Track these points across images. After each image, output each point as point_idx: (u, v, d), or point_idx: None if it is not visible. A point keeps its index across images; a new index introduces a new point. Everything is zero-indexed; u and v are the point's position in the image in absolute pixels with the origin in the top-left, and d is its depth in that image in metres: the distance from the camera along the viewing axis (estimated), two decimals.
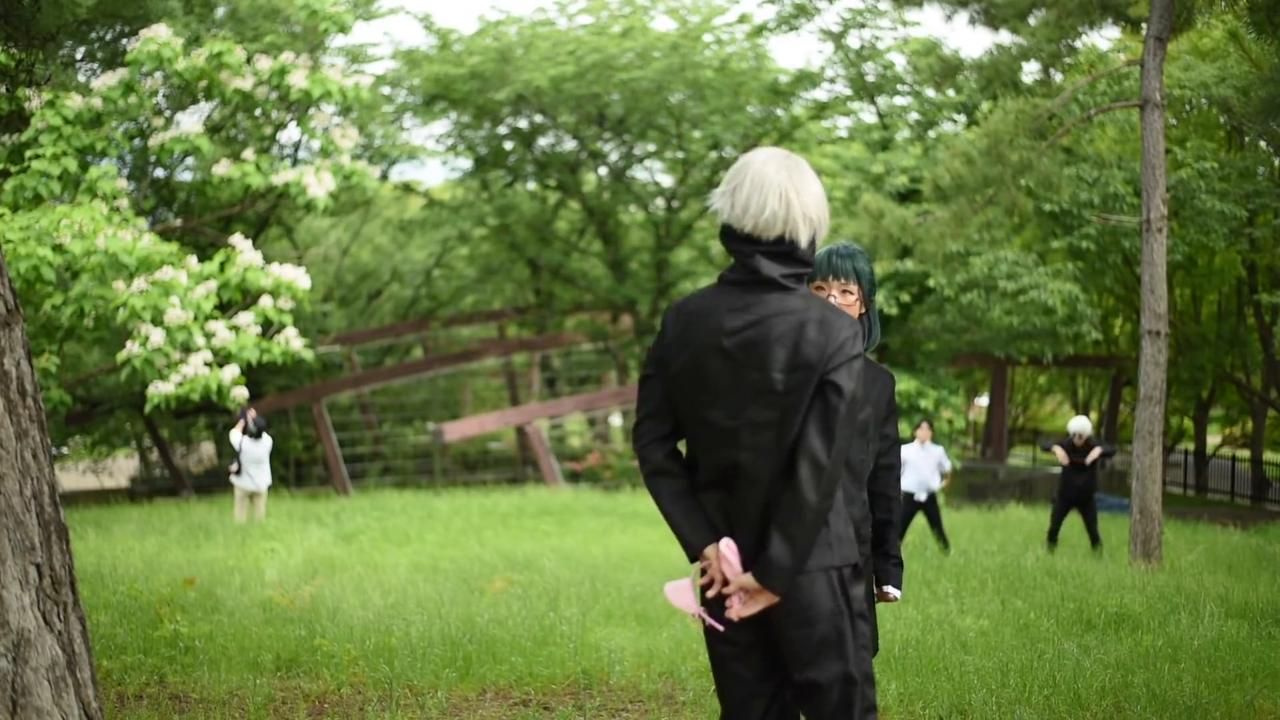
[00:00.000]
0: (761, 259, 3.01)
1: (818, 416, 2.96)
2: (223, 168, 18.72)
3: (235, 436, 15.68)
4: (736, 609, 2.99)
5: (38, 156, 16.67)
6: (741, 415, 2.98)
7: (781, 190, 3.02)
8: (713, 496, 3.06)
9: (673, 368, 3.06)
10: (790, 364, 2.96)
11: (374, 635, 6.56)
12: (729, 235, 3.07)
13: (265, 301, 16.96)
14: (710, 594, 3.05)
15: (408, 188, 31.42)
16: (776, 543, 2.93)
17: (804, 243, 3.05)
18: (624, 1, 26.39)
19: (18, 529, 3.11)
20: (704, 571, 3.08)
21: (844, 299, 3.79)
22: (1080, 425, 12.87)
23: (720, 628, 3.05)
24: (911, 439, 13.28)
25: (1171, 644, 6.43)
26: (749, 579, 2.97)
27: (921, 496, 12.68)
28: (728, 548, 3.00)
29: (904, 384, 21.47)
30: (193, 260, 16.94)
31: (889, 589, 3.94)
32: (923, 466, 12.68)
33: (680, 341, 3.05)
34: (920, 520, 14.43)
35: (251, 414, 15.63)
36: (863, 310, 3.84)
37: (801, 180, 3.05)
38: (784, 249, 3.03)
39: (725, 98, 25.90)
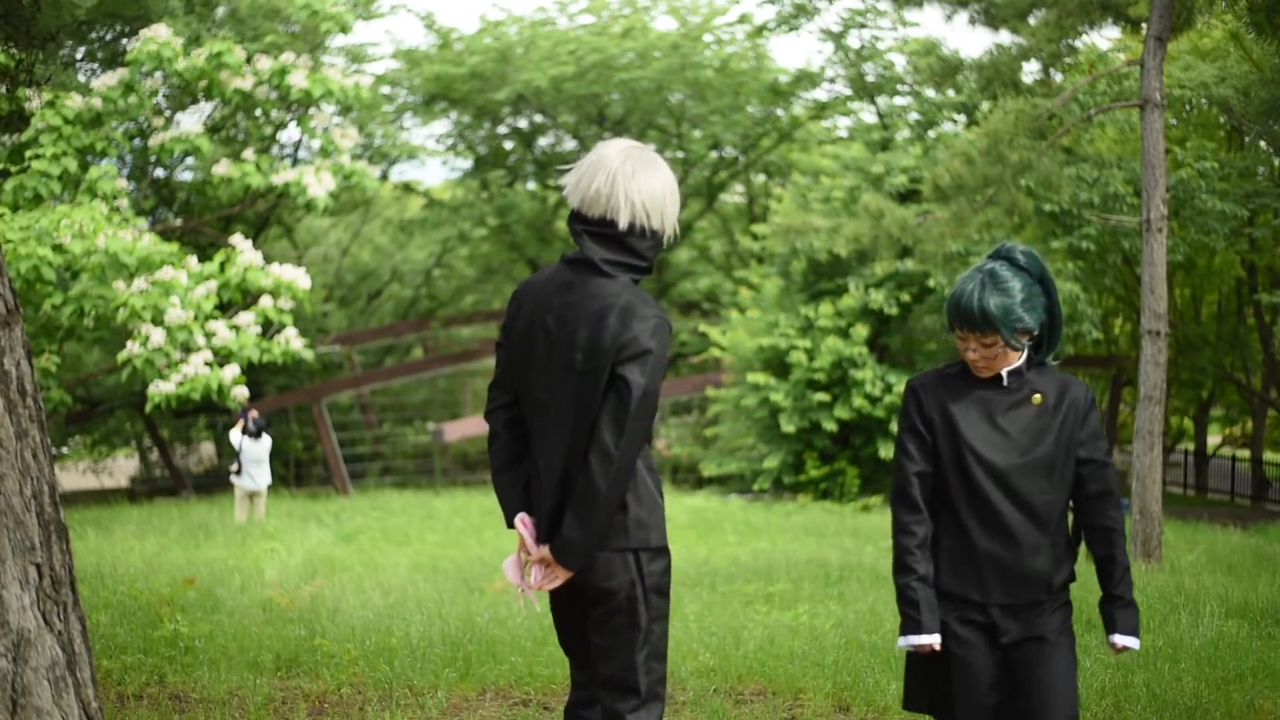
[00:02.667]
0: (588, 240, 3.10)
1: (609, 408, 3.02)
2: (223, 168, 18.71)
3: (235, 436, 15.68)
4: (536, 580, 3.13)
5: (38, 156, 16.66)
6: (550, 390, 3.09)
7: (611, 171, 3.09)
8: (531, 469, 3.18)
9: (512, 337, 3.17)
10: (589, 347, 3.03)
11: (374, 635, 6.56)
12: (570, 216, 3.16)
13: (265, 301, 16.96)
14: (522, 565, 3.20)
15: (408, 188, 31.41)
16: (569, 523, 3.05)
17: (623, 224, 3.08)
18: (625, 1, 26.39)
19: (18, 529, 3.11)
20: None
21: (988, 353, 3.26)
22: None
23: (535, 601, 3.21)
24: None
25: (1171, 644, 6.43)
26: (546, 553, 3.12)
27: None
28: (522, 522, 3.15)
29: (905, 385, 21.41)
30: (193, 260, 16.93)
31: (1118, 638, 3.28)
32: None
33: (518, 314, 3.17)
34: None
35: (252, 414, 15.64)
36: (1029, 340, 3.32)
37: (640, 167, 3.11)
38: (607, 231, 3.09)
39: (725, 98, 25.90)
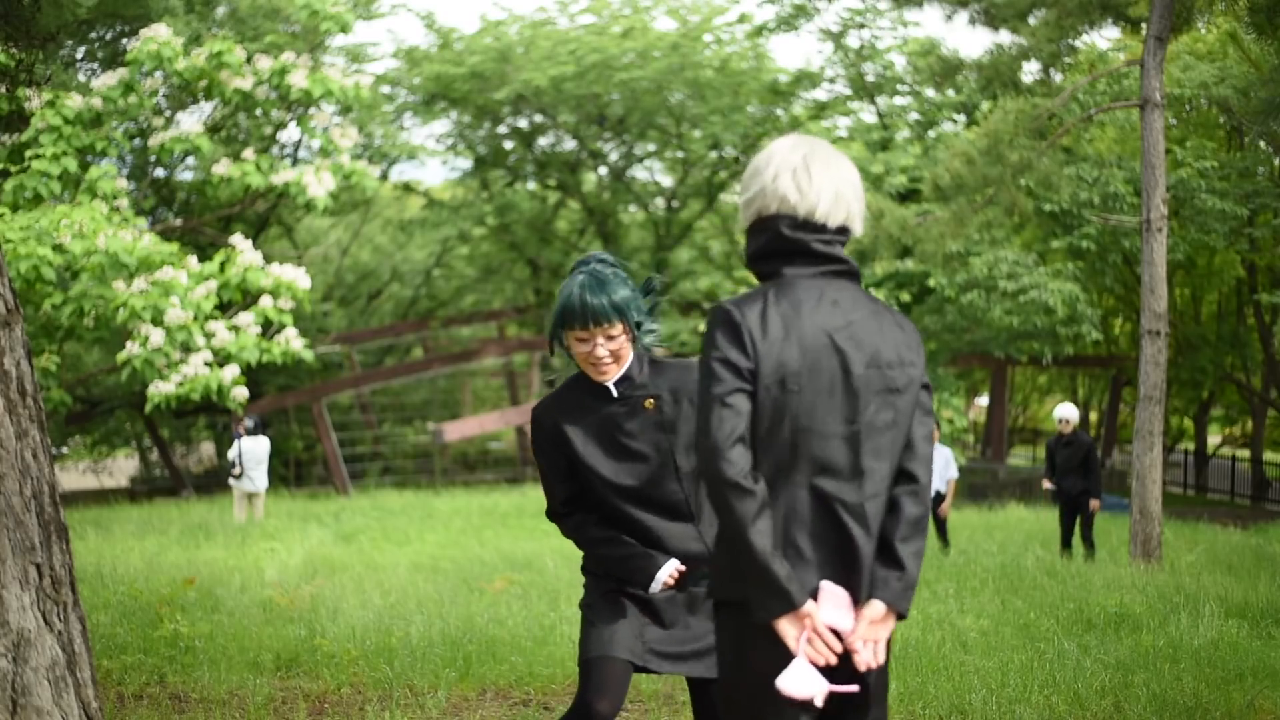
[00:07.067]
0: (840, 247, 2.73)
1: (920, 419, 2.75)
2: (223, 167, 18.70)
3: (233, 450, 15.72)
4: (870, 656, 2.56)
5: (38, 156, 16.66)
6: (860, 419, 2.63)
7: (848, 175, 2.77)
8: (802, 526, 2.60)
9: (769, 376, 2.58)
10: (896, 360, 2.69)
11: (374, 635, 6.56)
12: (796, 225, 2.67)
13: (265, 301, 16.95)
14: (822, 656, 2.51)
15: (408, 187, 31.42)
16: (909, 559, 2.64)
17: (858, 230, 2.79)
18: (625, 1, 26.40)
19: (18, 529, 3.11)
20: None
21: (611, 345, 3.22)
22: (1067, 411, 12.32)
23: (856, 689, 2.59)
24: None
25: (1171, 644, 6.43)
26: (879, 609, 2.59)
27: (930, 495, 12.81)
28: (836, 589, 2.57)
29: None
30: (193, 260, 16.92)
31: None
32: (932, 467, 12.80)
33: (782, 342, 2.59)
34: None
35: (247, 423, 15.68)
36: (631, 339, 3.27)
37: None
38: (843, 238, 2.76)
39: (725, 98, 25.91)
